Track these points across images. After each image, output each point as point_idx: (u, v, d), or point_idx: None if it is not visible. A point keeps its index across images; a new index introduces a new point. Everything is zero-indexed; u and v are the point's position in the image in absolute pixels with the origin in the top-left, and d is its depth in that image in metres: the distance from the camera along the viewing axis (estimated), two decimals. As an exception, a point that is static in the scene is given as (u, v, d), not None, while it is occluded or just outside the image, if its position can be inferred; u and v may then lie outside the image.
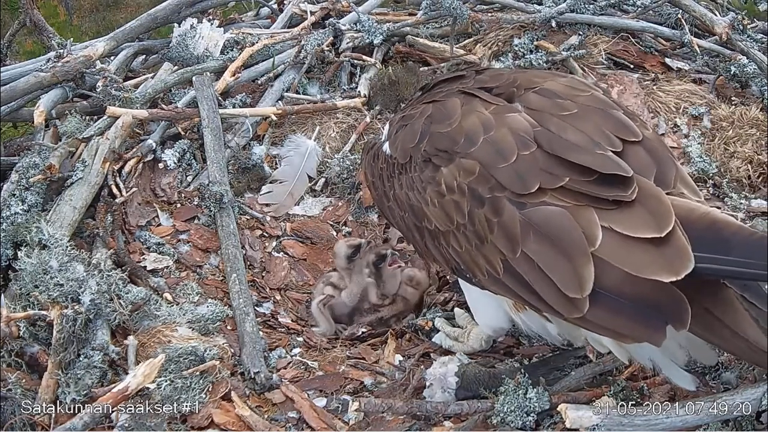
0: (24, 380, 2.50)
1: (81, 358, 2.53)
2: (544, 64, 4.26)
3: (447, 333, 3.02)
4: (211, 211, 3.49)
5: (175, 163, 3.72)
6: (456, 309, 3.16)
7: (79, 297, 2.66)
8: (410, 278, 3.38)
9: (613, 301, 2.07)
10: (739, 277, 2.04)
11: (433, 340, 3.03)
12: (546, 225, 2.16)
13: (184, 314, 2.85)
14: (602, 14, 4.60)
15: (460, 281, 2.75)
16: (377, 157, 2.78)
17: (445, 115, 2.50)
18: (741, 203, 3.64)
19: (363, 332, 3.23)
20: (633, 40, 4.51)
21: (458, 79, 2.77)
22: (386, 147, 2.73)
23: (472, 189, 2.31)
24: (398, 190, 2.61)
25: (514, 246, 2.21)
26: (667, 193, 2.18)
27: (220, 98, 3.96)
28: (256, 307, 3.15)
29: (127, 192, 3.48)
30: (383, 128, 2.86)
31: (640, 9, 4.64)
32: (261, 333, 2.95)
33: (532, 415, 2.36)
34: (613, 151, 2.25)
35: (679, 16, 4.53)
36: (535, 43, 4.42)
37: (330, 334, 3.24)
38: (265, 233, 3.70)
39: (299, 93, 4.29)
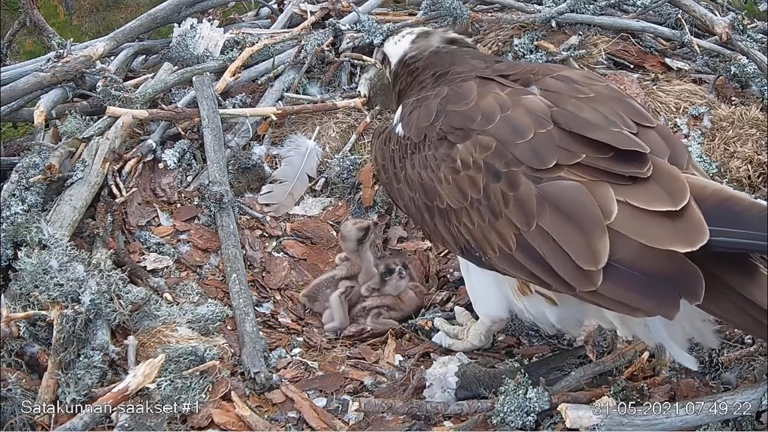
0: (24, 380, 2.50)
1: (81, 358, 2.53)
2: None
3: (446, 331, 3.02)
4: (211, 211, 3.49)
5: (175, 163, 3.72)
6: (456, 307, 3.16)
7: (79, 297, 2.66)
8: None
9: (626, 274, 2.08)
10: (751, 249, 2.05)
11: (432, 339, 3.04)
12: (562, 199, 2.18)
13: (184, 314, 2.86)
14: (602, 14, 4.59)
15: (462, 269, 2.76)
16: (389, 140, 2.77)
17: (461, 96, 2.51)
18: (741, 203, 3.64)
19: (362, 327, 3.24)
20: (633, 40, 4.51)
21: (474, 68, 2.78)
22: (399, 128, 2.72)
23: (488, 164, 2.32)
24: (410, 170, 2.61)
25: (529, 219, 2.22)
26: None
27: (220, 98, 3.96)
28: (256, 307, 3.15)
29: (127, 192, 3.48)
30: (395, 113, 2.87)
31: (640, 9, 4.64)
32: (261, 333, 2.95)
33: (532, 415, 2.36)
34: (628, 132, 2.29)
35: (679, 16, 4.52)
36: (535, 43, 4.41)
37: (343, 327, 3.24)
38: (265, 233, 3.70)
39: (299, 93, 4.29)
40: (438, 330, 3.05)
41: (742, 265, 2.06)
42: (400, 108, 2.82)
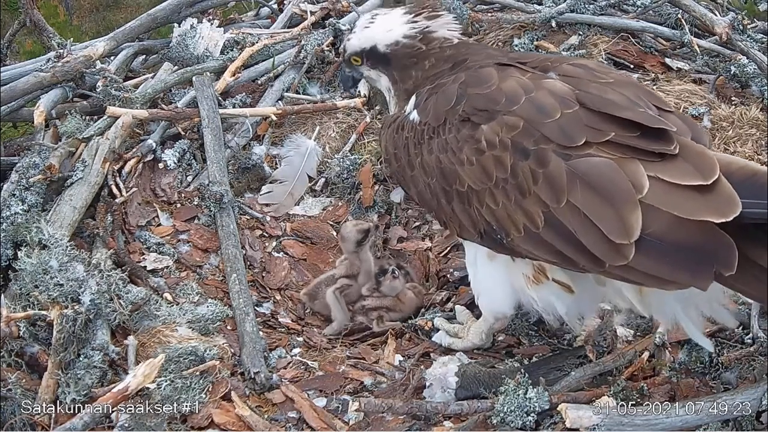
0: (24, 380, 2.50)
1: (81, 358, 2.53)
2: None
3: (446, 330, 3.02)
4: (211, 211, 3.49)
5: (175, 163, 3.72)
6: (456, 306, 3.16)
7: (79, 297, 2.66)
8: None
9: (659, 247, 2.11)
10: None
11: (432, 339, 3.03)
12: (592, 174, 2.20)
13: (184, 314, 2.85)
14: (602, 14, 4.59)
15: (468, 263, 2.75)
16: (402, 128, 2.74)
17: (482, 80, 2.51)
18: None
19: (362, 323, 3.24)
20: (633, 40, 4.51)
21: (490, 56, 2.78)
22: (414, 115, 2.70)
23: (516, 142, 2.33)
24: (427, 156, 2.59)
25: (559, 196, 2.23)
26: None
27: (220, 98, 3.96)
28: (256, 307, 3.15)
29: (127, 192, 3.48)
30: (407, 103, 2.81)
31: (640, 9, 4.64)
32: (261, 333, 2.95)
33: (532, 415, 2.36)
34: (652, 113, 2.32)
35: (679, 16, 4.53)
36: (535, 43, 4.41)
37: (345, 324, 3.24)
38: (265, 233, 3.70)
39: (299, 93, 4.29)
40: (438, 329, 3.05)
41: (763, 239, 2.08)
42: (413, 97, 2.77)
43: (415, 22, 2.90)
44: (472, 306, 3.09)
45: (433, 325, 3.08)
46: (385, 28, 2.95)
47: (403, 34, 2.90)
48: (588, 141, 2.24)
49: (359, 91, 4.27)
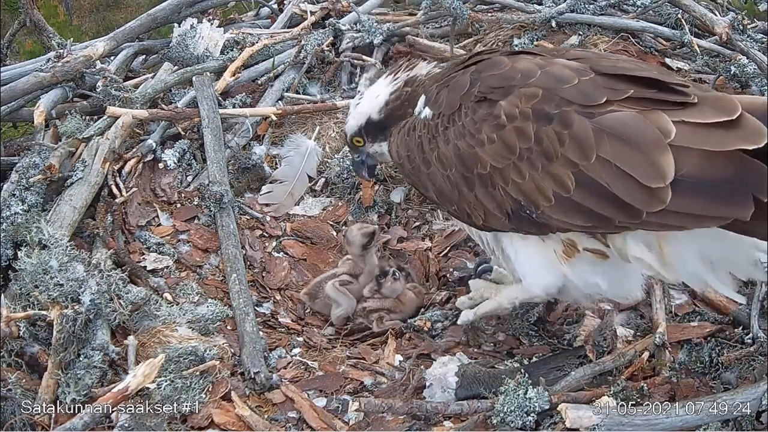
0: (24, 380, 2.50)
1: (81, 358, 2.53)
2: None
3: (470, 297, 2.99)
4: (211, 211, 3.49)
5: (175, 163, 3.72)
6: (471, 282, 3.10)
7: (79, 297, 2.66)
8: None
9: (694, 185, 2.13)
10: None
11: (459, 322, 2.98)
12: (619, 127, 2.23)
13: (184, 314, 2.85)
14: (602, 14, 4.60)
15: (502, 246, 2.70)
16: (413, 129, 2.75)
17: (494, 65, 2.54)
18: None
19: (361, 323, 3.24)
20: (633, 40, 4.51)
21: (493, 52, 2.80)
22: (426, 112, 2.70)
23: (537, 110, 2.34)
24: (443, 147, 2.59)
25: (588, 153, 2.25)
26: None
27: (220, 98, 3.96)
28: (256, 307, 3.15)
29: (127, 192, 3.48)
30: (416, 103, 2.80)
31: (640, 9, 4.64)
32: (261, 333, 2.95)
33: (532, 415, 2.36)
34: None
35: (679, 16, 4.53)
36: (535, 43, 4.41)
37: (351, 311, 3.24)
38: (265, 233, 3.70)
39: (299, 93, 4.29)
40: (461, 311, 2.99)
41: None
42: (422, 97, 2.77)
43: (397, 78, 2.94)
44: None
45: (432, 325, 3.08)
46: (373, 96, 2.98)
47: (389, 92, 2.93)
48: (609, 99, 2.28)
49: (359, 91, 4.26)
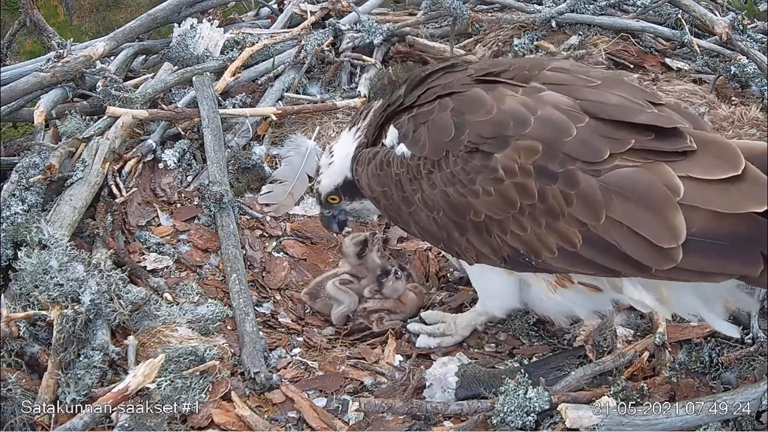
0: (24, 380, 2.50)
1: (81, 358, 2.53)
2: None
3: (429, 332, 3.02)
4: (211, 211, 3.49)
5: (175, 163, 3.72)
6: (422, 313, 3.15)
7: (79, 297, 2.66)
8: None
9: (704, 245, 2.13)
10: None
11: (417, 345, 3.02)
12: (627, 185, 2.20)
13: (184, 314, 2.85)
14: (602, 14, 4.60)
15: (469, 270, 2.73)
16: (387, 164, 2.63)
17: (477, 104, 2.42)
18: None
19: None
20: (633, 40, 4.52)
21: (450, 70, 2.67)
22: (402, 150, 2.59)
23: (539, 167, 2.28)
24: (429, 191, 2.50)
25: (598, 212, 2.21)
26: None
27: (220, 98, 3.96)
28: (256, 307, 3.14)
29: (127, 192, 3.48)
30: (385, 134, 2.69)
31: (640, 9, 4.64)
32: (261, 333, 2.95)
33: (532, 415, 2.36)
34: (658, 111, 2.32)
35: (679, 16, 4.53)
36: (535, 43, 4.42)
37: (354, 307, 3.24)
38: (265, 233, 3.70)
39: (299, 93, 4.29)
40: (418, 335, 3.04)
41: None
42: (391, 128, 2.65)
43: (359, 130, 2.89)
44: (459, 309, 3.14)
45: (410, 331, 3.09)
46: (343, 155, 2.92)
47: (355, 149, 2.86)
48: (611, 153, 2.23)
49: (359, 91, 4.27)
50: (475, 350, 2.98)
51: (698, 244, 2.13)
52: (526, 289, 2.66)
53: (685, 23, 4.47)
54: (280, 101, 4.21)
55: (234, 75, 4.18)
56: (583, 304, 2.59)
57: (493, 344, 3.02)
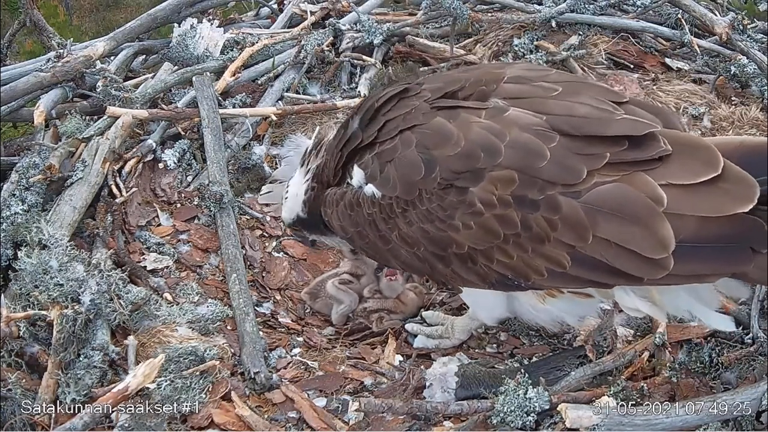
0: (24, 380, 2.50)
1: (81, 358, 2.53)
2: (544, 65, 4.26)
3: (428, 334, 3.02)
4: (211, 211, 3.49)
5: (175, 163, 3.72)
6: (423, 313, 3.15)
7: (79, 297, 2.65)
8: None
9: (694, 249, 2.13)
10: None
11: (414, 345, 3.03)
12: (609, 203, 2.18)
13: (184, 314, 2.85)
14: (602, 14, 4.60)
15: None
16: (357, 205, 2.58)
17: (442, 137, 2.35)
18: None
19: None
20: (633, 40, 4.52)
21: (403, 95, 2.56)
22: (371, 190, 2.52)
23: (518, 197, 2.24)
24: (405, 228, 2.45)
25: (585, 234, 2.20)
26: None
27: (220, 98, 3.96)
28: (256, 307, 3.14)
29: (127, 192, 3.47)
30: (350, 175, 2.61)
31: (640, 9, 4.64)
32: (261, 333, 2.95)
33: (532, 415, 2.36)
34: (629, 116, 2.30)
35: (679, 16, 4.53)
36: (535, 43, 4.42)
37: (355, 306, 3.24)
38: (265, 233, 3.70)
39: (299, 93, 4.29)
40: (416, 335, 3.05)
41: None
42: (355, 168, 2.58)
43: (308, 170, 2.91)
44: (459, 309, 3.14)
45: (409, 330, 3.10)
46: (294, 194, 2.96)
47: (304, 191, 2.90)
48: (589, 170, 2.20)
49: (359, 91, 4.27)
50: (476, 350, 2.99)
51: (688, 249, 2.13)
52: (515, 300, 2.65)
53: (685, 23, 4.47)
54: (280, 101, 4.21)
55: (234, 75, 4.17)
56: (573, 311, 2.59)
57: (494, 344, 3.03)
